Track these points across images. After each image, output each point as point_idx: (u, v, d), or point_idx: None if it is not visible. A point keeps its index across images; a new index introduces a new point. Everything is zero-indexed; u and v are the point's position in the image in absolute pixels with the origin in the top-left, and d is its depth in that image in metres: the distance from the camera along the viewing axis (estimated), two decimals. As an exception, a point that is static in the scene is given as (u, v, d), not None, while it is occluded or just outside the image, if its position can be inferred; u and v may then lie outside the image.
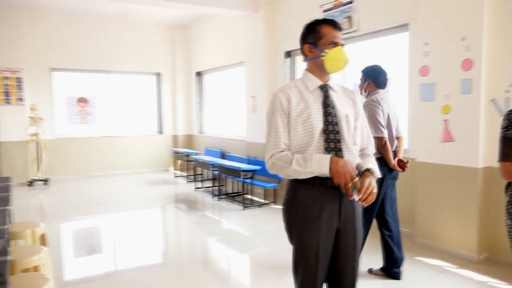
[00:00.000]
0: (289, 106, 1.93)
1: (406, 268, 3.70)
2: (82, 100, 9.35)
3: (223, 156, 8.34)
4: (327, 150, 1.90)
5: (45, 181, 8.33)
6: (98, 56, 9.22)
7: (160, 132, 10.35)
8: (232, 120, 8.69)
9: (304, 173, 1.87)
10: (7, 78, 8.21)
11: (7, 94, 8.23)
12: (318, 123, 1.90)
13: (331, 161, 1.83)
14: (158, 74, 10.21)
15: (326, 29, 1.96)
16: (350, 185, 1.78)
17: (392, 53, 5.12)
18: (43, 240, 3.34)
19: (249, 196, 6.82)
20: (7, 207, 2.77)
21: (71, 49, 8.93)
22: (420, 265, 3.84)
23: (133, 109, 10.04)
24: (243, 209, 6.17)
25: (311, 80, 2.00)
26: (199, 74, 9.98)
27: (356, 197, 1.81)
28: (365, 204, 1.84)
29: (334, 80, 2.07)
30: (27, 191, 7.69)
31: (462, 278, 3.55)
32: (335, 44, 1.94)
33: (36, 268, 2.67)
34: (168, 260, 4.28)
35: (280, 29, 6.81)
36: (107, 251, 4.57)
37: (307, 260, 1.95)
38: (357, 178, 1.80)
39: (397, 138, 3.55)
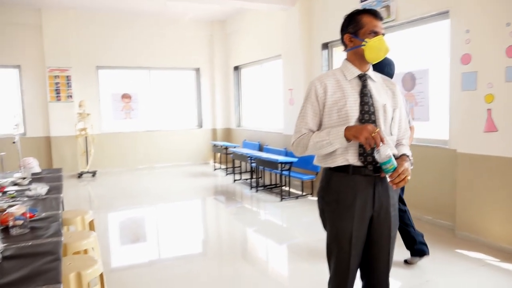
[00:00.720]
0: (324, 95, 1.96)
1: (446, 260, 3.64)
2: (126, 96, 9.73)
3: (261, 148, 8.43)
4: None
5: (93, 173, 8.78)
6: (140, 53, 9.56)
7: (200, 126, 10.59)
8: (269, 113, 8.75)
9: (324, 145, 1.91)
10: (57, 76, 8.70)
11: (57, 91, 8.74)
12: (353, 112, 1.92)
13: (346, 127, 1.86)
14: (197, 69, 10.44)
15: (366, 19, 1.96)
16: (374, 133, 1.77)
17: (432, 42, 4.98)
18: (91, 226, 3.56)
19: (286, 188, 6.87)
20: (60, 195, 2.99)
21: (115, 48, 9.32)
22: (461, 258, 3.75)
23: (173, 104, 10.34)
24: (281, 201, 6.24)
25: (349, 69, 2.01)
26: (237, 68, 10.11)
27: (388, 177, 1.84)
28: (396, 187, 1.84)
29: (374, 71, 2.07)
30: (76, 183, 8.15)
31: (504, 271, 3.44)
32: (376, 33, 1.94)
33: (85, 251, 2.87)
34: (209, 249, 4.42)
35: (317, 21, 6.77)
36: (151, 239, 4.78)
37: (340, 247, 1.98)
38: (378, 129, 1.80)
39: None
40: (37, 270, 1.53)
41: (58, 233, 2.01)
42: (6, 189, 3.09)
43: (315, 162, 2.09)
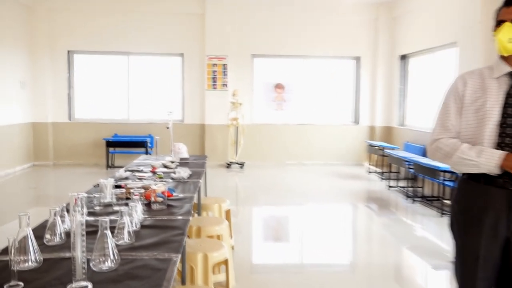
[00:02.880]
0: (464, 92, 2.01)
1: None
2: (279, 87, 10.42)
3: (424, 153, 8.06)
4: (500, 145, 1.87)
5: (241, 164, 9.71)
6: (296, 41, 10.11)
7: (356, 122, 10.64)
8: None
9: (469, 164, 1.90)
10: (215, 65, 9.89)
11: (214, 80, 9.93)
12: (493, 113, 1.90)
13: (506, 155, 1.81)
14: (357, 58, 10.49)
15: (500, 12, 1.98)
16: None
17: None
18: (228, 215, 4.09)
19: (449, 202, 6.47)
20: (199, 180, 3.56)
21: (271, 35, 10.07)
22: None
23: (328, 96, 10.63)
24: (441, 216, 5.94)
25: (499, 66, 1.99)
26: (403, 57, 9.80)
27: None
28: None
29: None
30: (225, 172, 9.15)
31: None
32: (503, 22, 1.92)
33: (218, 237, 3.35)
34: (356, 263, 4.49)
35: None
36: (288, 239, 5.14)
37: (465, 266, 2.00)
38: None
39: None
40: (164, 240, 1.97)
41: (188, 213, 2.48)
42: (156, 170, 3.81)
43: (450, 167, 2.11)
